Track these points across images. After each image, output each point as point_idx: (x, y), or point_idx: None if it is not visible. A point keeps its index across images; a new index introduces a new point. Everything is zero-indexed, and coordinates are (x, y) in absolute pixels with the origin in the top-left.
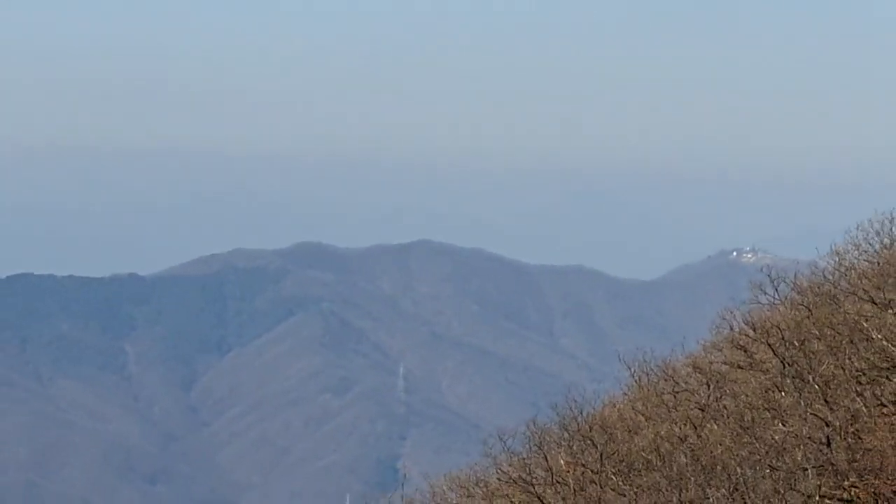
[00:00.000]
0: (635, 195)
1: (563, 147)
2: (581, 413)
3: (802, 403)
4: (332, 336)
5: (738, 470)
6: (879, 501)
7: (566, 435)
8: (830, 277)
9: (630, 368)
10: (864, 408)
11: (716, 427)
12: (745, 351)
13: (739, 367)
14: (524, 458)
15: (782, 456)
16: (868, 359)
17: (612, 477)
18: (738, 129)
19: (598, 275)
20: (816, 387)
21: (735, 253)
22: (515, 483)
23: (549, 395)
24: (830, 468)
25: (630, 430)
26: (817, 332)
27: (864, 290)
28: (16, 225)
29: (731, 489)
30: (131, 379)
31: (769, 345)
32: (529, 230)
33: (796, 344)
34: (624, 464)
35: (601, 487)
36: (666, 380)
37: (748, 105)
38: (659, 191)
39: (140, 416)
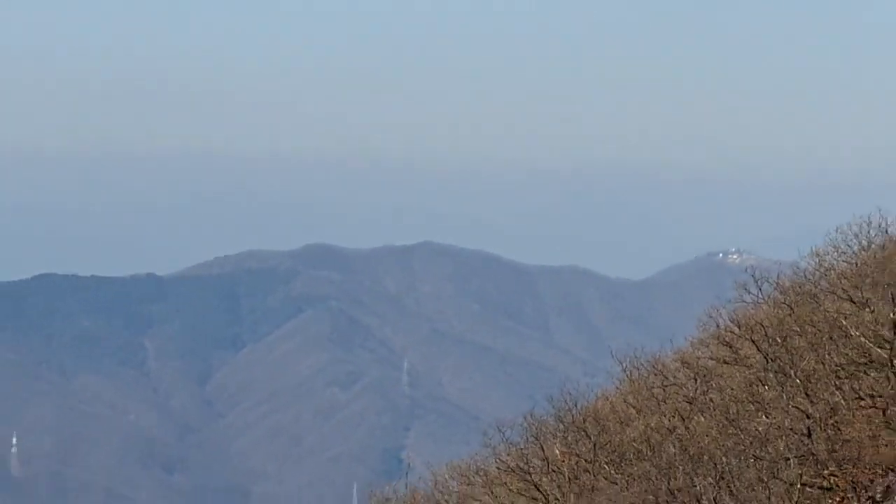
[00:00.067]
0: (627, 198)
1: (559, 150)
2: (575, 406)
3: (784, 397)
4: (339, 333)
5: (724, 459)
6: (857, 489)
7: (561, 426)
8: (811, 277)
9: (622, 364)
10: (842, 401)
11: (703, 419)
12: (731, 347)
13: (725, 362)
14: (522, 449)
15: (765, 446)
16: (847, 354)
17: (605, 466)
18: (725, 137)
19: (592, 275)
20: (798, 381)
21: (721, 254)
22: (513, 472)
23: (545, 389)
24: (811, 458)
25: (622, 422)
26: (799, 330)
27: (842, 289)
28: (40, 228)
29: (718, 477)
30: (150, 373)
31: (753, 341)
32: (527, 231)
33: (779, 340)
34: (616, 454)
35: (594, 476)
36: (656, 374)
37: (735, 113)
38: (649, 195)
39: (158, 409)
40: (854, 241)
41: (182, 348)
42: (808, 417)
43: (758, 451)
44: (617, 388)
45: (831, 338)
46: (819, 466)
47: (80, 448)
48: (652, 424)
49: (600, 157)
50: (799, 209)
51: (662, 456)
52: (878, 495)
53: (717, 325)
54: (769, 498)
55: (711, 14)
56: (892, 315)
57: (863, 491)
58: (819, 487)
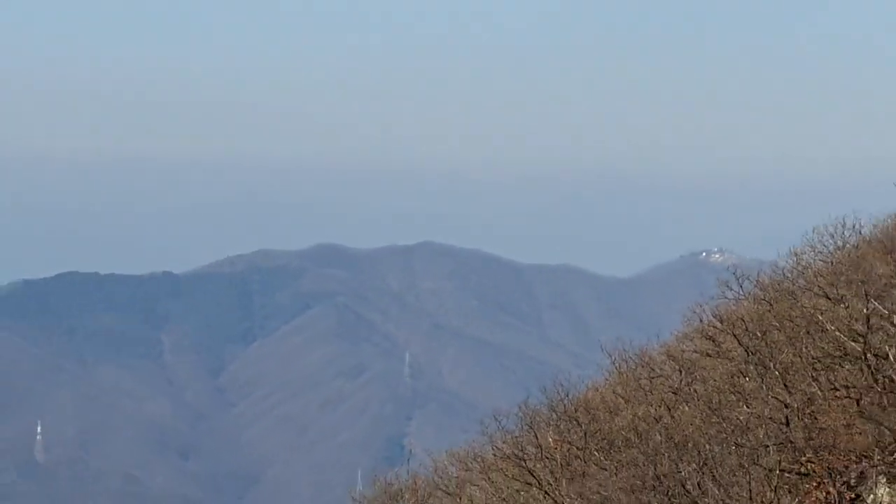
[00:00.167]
0: (616, 201)
1: (553, 156)
2: (567, 396)
3: (764, 387)
4: (345, 327)
5: (707, 447)
6: (833, 474)
7: (554, 415)
8: (789, 275)
9: (611, 356)
10: (819, 392)
11: (687, 408)
12: (714, 341)
13: (708, 355)
14: (517, 436)
15: (746, 434)
16: (823, 348)
17: (595, 453)
18: (709, 144)
19: (583, 273)
20: (777, 373)
21: (704, 253)
22: (509, 458)
23: (538, 380)
24: (789, 445)
25: (611, 412)
26: (777, 324)
27: (819, 286)
28: (63, 229)
29: (701, 464)
30: (166, 366)
31: (735, 335)
32: (522, 232)
33: (759, 335)
34: (605, 441)
35: (585, 462)
36: (643, 366)
37: (719, 123)
38: (638, 198)
39: (174, 399)
40: (830, 241)
41: (196, 342)
42: (786, 407)
43: (739, 439)
44: (606, 379)
45: (808, 332)
46: (797, 453)
47: (100, 436)
48: (639, 414)
49: (592, 163)
50: (778, 211)
51: (649, 443)
52: (853, 480)
53: (701, 321)
54: (750, 483)
55: (697, 26)
56: (865, 311)
57: (838, 476)
58: (797, 473)
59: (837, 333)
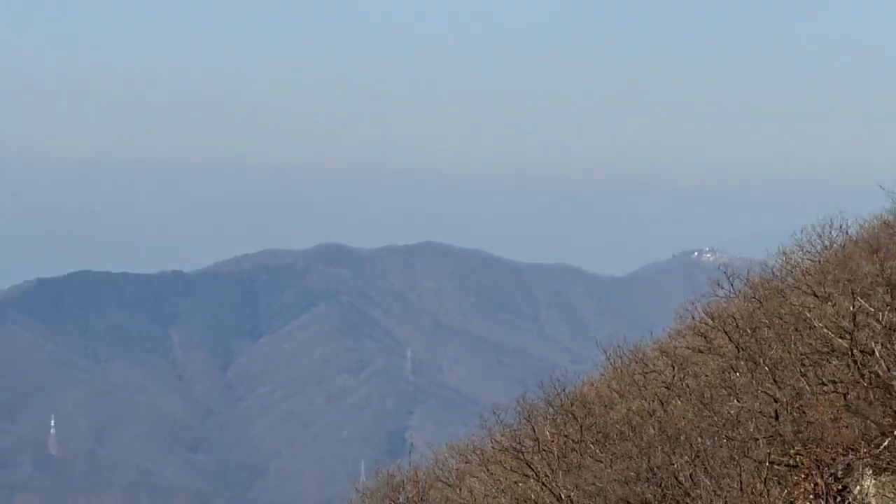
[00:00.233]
0: (612, 202)
1: (550, 158)
2: (564, 391)
3: (754, 382)
4: (349, 325)
5: (699, 440)
6: (820, 466)
7: (551, 409)
8: (778, 274)
9: (606, 352)
10: (807, 386)
11: (680, 403)
12: (705, 337)
13: (700, 351)
14: (515, 430)
15: (737, 428)
16: (811, 344)
17: (591, 446)
18: (701, 145)
19: (578, 271)
20: (766, 368)
21: (696, 253)
22: (507, 451)
23: (536, 376)
24: (778, 438)
25: (606, 406)
26: (767, 322)
27: (807, 285)
28: (77, 229)
29: (693, 456)
30: (176, 361)
31: (726, 332)
32: (520, 232)
33: (749, 331)
34: (601, 434)
35: (581, 455)
36: (637, 362)
37: (710, 126)
38: (632, 199)
39: (183, 394)
40: (817, 240)
41: (205, 339)
42: (775, 401)
43: (730, 433)
44: (601, 374)
45: (797, 329)
46: (786, 446)
47: (112, 429)
48: (633, 408)
49: (590, 163)
50: (768, 212)
51: (643, 436)
52: (840, 472)
53: (693, 318)
54: (740, 475)
55: (693, 27)
56: (851, 308)
57: (826, 468)
58: (786, 465)
59: (825, 330)
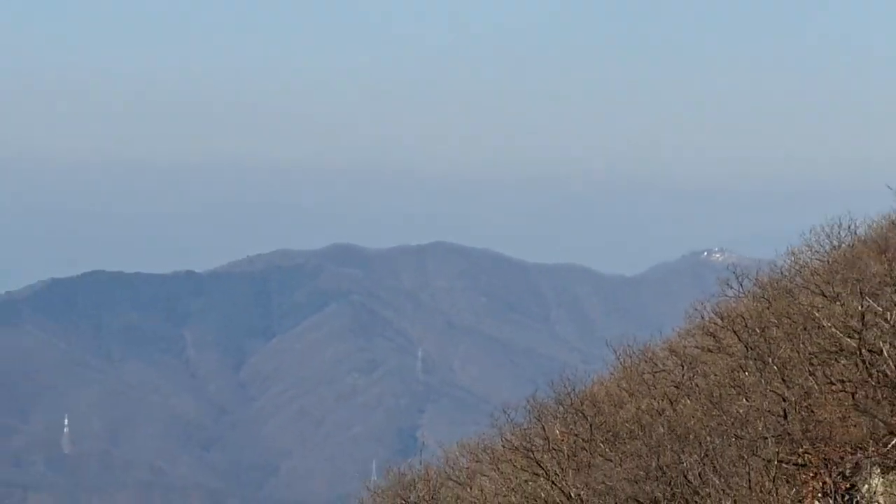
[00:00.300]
0: (621, 202)
1: (560, 158)
2: (573, 390)
3: (763, 382)
4: (360, 324)
5: (708, 439)
6: (829, 465)
7: (561, 409)
8: (787, 274)
9: (615, 352)
10: (815, 385)
11: (689, 402)
12: (714, 337)
13: (709, 350)
14: (525, 429)
15: (746, 427)
16: (819, 344)
17: (601, 445)
18: (709, 145)
19: (588, 271)
20: (775, 367)
21: (706, 253)
22: (517, 450)
23: (546, 375)
24: (787, 437)
25: (615, 405)
26: (776, 321)
27: (815, 284)
28: (90, 229)
29: (702, 455)
30: (189, 361)
31: (735, 332)
32: (530, 232)
33: (758, 331)
34: (610, 433)
35: (591, 454)
36: (646, 361)
37: (720, 127)
38: (641, 199)
39: (196, 393)
40: (826, 240)
41: (218, 338)
42: (784, 400)
43: (739, 431)
44: (611, 374)
45: (805, 328)
46: (794, 445)
47: (125, 428)
48: (643, 407)
49: (598, 164)
50: (776, 212)
51: (652, 435)
52: (848, 471)
53: (702, 317)
54: (749, 473)
55: (697, 28)
56: (860, 308)
57: (834, 467)
58: (794, 464)
59: (833, 330)
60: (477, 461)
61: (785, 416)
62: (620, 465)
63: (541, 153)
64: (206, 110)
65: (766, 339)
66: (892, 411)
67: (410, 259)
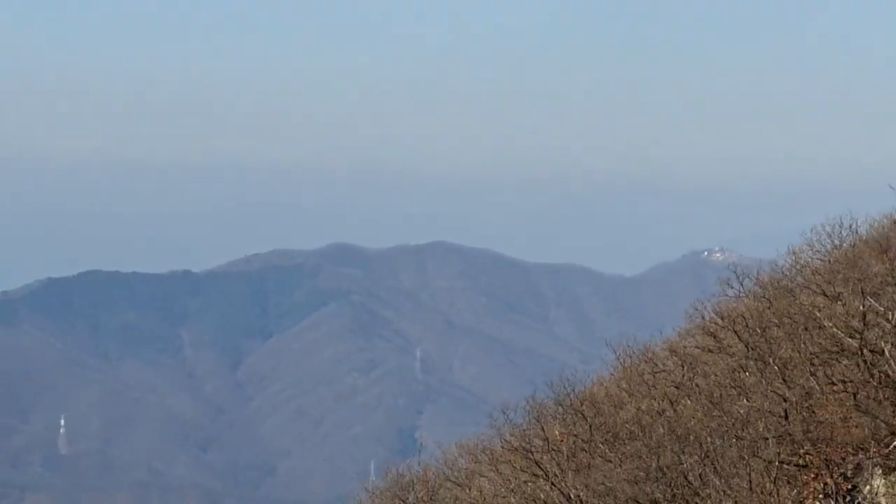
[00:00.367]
0: (621, 202)
1: (559, 158)
2: (573, 390)
3: (764, 382)
4: (359, 324)
5: (709, 439)
6: (830, 466)
7: (560, 409)
8: (788, 274)
9: (615, 352)
10: (816, 386)
11: (689, 402)
12: (715, 337)
13: (709, 350)
14: (524, 429)
15: (746, 427)
16: (820, 344)
17: (600, 445)
18: (709, 145)
19: (588, 271)
20: (776, 368)
21: (706, 252)
22: (517, 450)
23: (545, 375)
24: (788, 438)
25: (615, 405)
26: (777, 321)
27: (816, 284)
28: (86, 229)
29: (703, 456)
30: (186, 361)
31: (735, 332)
32: (529, 232)
33: (758, 331)
34: (610, 434)
35: (590, 454)
36: (646, 362)
37: (720, 127)
38: (641, 199)
39: (194, 393)
40: (827, 240)
41: (215, 338)
42: (785, 401)
43: (739, 432)
44: (611, 374)
45: (806, 328)
46: (795, 446)
47: (122, 428)
48: (643, 407)
49: (597, 164)
50: (777, 212)
51: (652, 436)
52: (849, 472)
53: (703, 317)
54: (750, 474)
55: (697, 28)
56: (861, 308)
57: (835, 468)
58: (795, 465)
59: (835, 330)
60: (476, 462)
61: (786, 417)
62: (620, 465)
63: (540, 153)
64: (205, 110)
65: (766, 339)
66: (893, 412)
67: (410, 259)
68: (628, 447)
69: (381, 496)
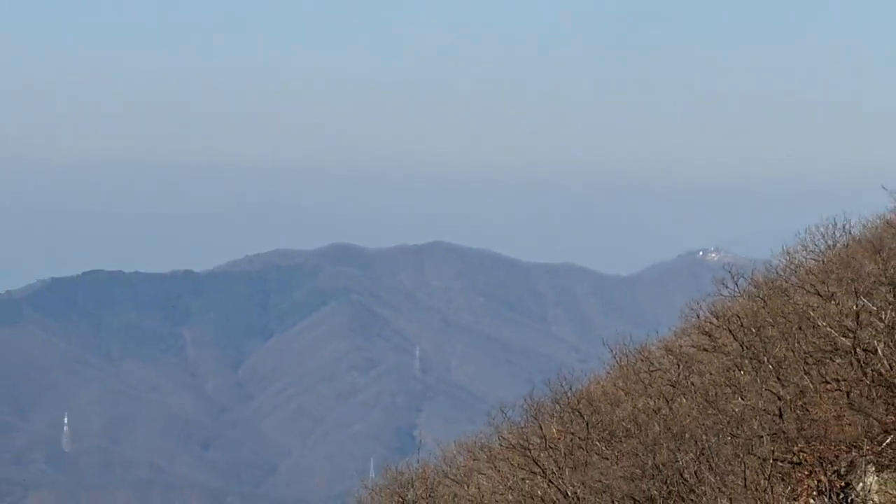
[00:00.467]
0: (617, 203)
1: (557, 160)
2: (570, 389)
3: (758, 380)
4: (359, 323)
5: (704, 437)
6: (823, 463)
7: (558, 407)
8: (782, 274)
9: (612, 351)
10: (810, 384)
11: (685, 401)
12: (710, 336)
13: (705, 349)
14: (522, 427)
15: (741, 425)
16: (814, 343)
17: (597, 443)
18: (705, 146)
19: (585, 271)
20: (770, 366)
21: (701, 252)
22: (514, 448)
23: (543, 374)
24: (782, 436)
25: (612, 404)
26: (771, 321)
27: (810, 284)
28: (89, 229)
29: (698, 453)
30: (188, 360)
31: (730, 331)
32: (527, 232)
33: (753, 330)
34: (607, 432)
35: (587, 452)
36: (642, 360)
37: (715, 129)
38: (637, 199)
39: (195, 391)
40: (821, 240)
41: (217, 337)
42: (779, 399)
43: (734, 430)
44: (607, 372)
45: (800, 328)
46: (789, 443)
47: (125, 427)
48: (639, 405)
49: (595, 165)
50: (772, 212)
51: (648, 434)
52: (843, 469)
53: (698, 317)
54: (744, 472)
55: (695, 30)
56: (854, 307)
57: (829, 465)
58: (789, 462)
59: (828, 329)
60: (474, 459)
61: (780, 415)
62: (617, 463)
63: (539, 153)
64: (205, 110)
65: (761, 339)
66: (886, 410)
67: (409, 259)
68: (625, 445)
69: (381, 493)
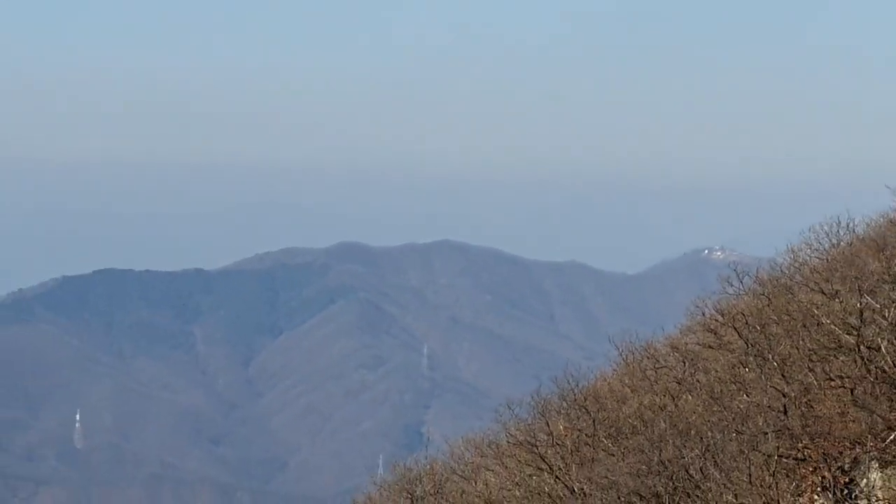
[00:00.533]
0: (623, 202)
1: (562, 160)
2: (577, 386)
3: (763, 378)
4: (367, 321)
5: (709, 434)
6: (828, 460)
7: (564, 404)
8: (787, 272)
9: (618, 348)
10: (815, 381)
11: (690, 398)
12: (715, 333)
13: (710, 347)
14: (529, 424)
15: (746, 422)
16: (818, 340)
17: (603, 440)
18: (710, 146)
19: (591, 270)
20: (775, 364)
21: (706, 251)
22: (521, 445)
23: (549, 371)
24: (787, 432)
25: (618, 400)
26: (776, 318)
27: (815, 282)
28: (101, 228)
29: (703, 450)
30: (198, 357)
31: (735, 328)
32: (533, 231)
33: (758, 328)
34: (613, 428)
35: (594, 448)
36: (648, 358)
37: (720, 129)
38: (643, 198)
39: (206, 389)
40: (825, 239)
41: (227, 335)
42: (784, 396)
43: (739, 427)
44: (614, 370)
45: (805, 325)
46: (794, 440)
47: (136, 423)
48: (645, 402)
49: (600, 165)
50: (776, 211)
51: (654, 430)
52: (847, 465)
53: (703, 314)
54: (750, 468)
55: (698, 31)
56: (858, 305)
57: (833, 461)
58: (794, 459)
59: (832, 327)
60: (482, 456)
61: (785, 412)
62: (623, 459)
63: (543, 153)
64: (206, 110)
65: (766, 336)
66: (890, 407)
67: (416, 257)
68: (631, 441)
69: (390, 489)
